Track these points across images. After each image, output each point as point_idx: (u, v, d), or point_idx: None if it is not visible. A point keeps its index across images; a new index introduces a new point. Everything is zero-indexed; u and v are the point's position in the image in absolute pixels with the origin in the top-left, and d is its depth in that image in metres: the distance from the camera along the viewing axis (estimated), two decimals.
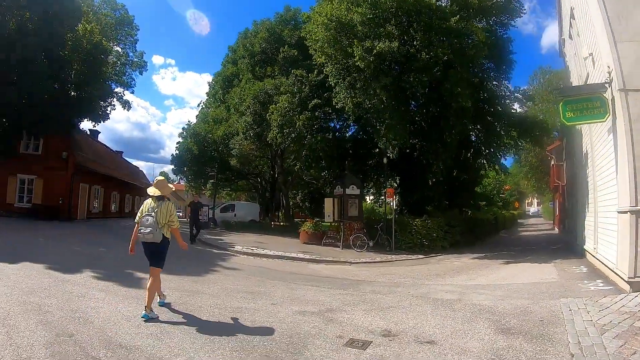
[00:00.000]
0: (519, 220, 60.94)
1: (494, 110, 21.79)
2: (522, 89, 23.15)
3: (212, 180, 35.58)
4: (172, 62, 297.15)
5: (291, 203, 39.82)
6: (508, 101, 22.53)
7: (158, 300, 7.46)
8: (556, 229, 35.56)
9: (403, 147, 19.96)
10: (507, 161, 43.88)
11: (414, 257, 18.09)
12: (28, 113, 24.00)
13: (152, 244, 6.75)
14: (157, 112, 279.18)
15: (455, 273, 13.43)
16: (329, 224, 23.03)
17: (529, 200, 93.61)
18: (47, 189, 29.01)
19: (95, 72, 26.65)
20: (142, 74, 42.85)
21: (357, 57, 17.38)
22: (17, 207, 28.49)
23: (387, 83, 17.74)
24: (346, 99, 19.48)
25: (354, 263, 15.97)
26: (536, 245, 23.88)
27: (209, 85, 41.99)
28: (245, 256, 16.44)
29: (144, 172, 60.47)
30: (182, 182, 51.52)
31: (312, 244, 22.01)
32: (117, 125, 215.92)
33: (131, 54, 38.40)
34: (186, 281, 10.08)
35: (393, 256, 18.08)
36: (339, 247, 20.81)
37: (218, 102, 37.40)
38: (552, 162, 33.73)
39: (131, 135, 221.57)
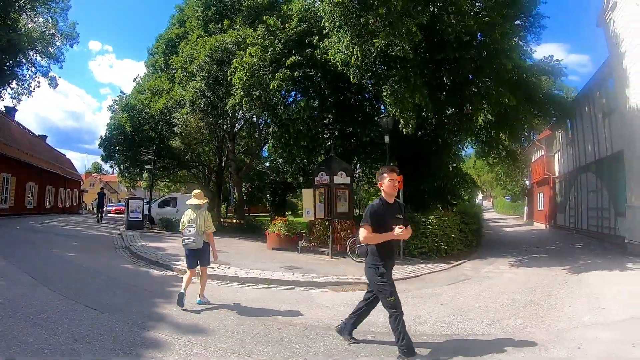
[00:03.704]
0: None
1: (521, 80, 15.90)
2: (555, 59, 17.04)
3: (147, 166, 26.79)
4: (110, 48, 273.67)
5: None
6: (536, 71, 16.71)
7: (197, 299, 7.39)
8: (540, 225, 30.77)
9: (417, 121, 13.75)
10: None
11: (436, 267, 12.74)
12: None
13: (196, 250, 7.30)
14: (92, 101, 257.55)
15: (548, 297, 8.62)
16: (307, 223, 16.84)
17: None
18: None
19: None
20: (72, 47, 34.14)
21: None
22: None
23: (424, 22, 11.56)
24: (351, 47, 12.87)
25: None
26: (554, 245, 19.09)
27: (147, 52, 33.32)
28: None
29: (75, 162, 51.02)
30: (116, 173, 42.18)
31: (284, 249, 15.55)
32: (49, 113, 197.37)
33: (61, 23, 29.84)
34: None
35: (409, 267, 12.45)
36: (325, 254, 14.62)
37: (159, 72, 29.29)
38: (542, 153, 29.03)
39: (65, 125, 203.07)
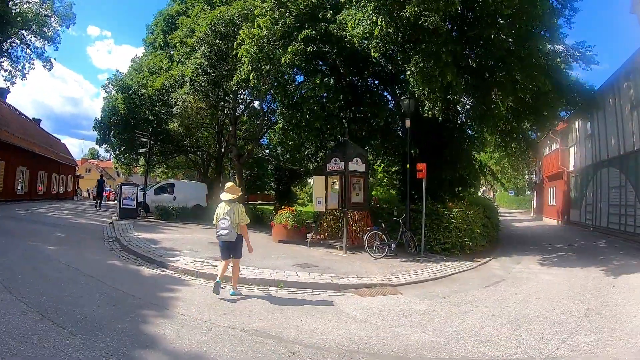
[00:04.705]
0: None
1: (551, 66, 14.18)
2: (586, 45, 15.08)
3: (143, 149, 23.76)
4: (109, 34, 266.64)
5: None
6: (567, 57, 14.91)
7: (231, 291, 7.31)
8: (551, 221, 29.28)
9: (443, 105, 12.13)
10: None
11: (463, 265, 11.38)
12: None
13: (229, 242, 7.19)
14: (90, 87, 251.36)
15: (605, 304, 7.49)
16: (314, 213, 15.70)
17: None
18: None
19: None
20: (69, 28, 32.28)
21: None
22: None
23: None
24: (374, 17, 11.13)
25: (398, 285, 8.78)
26: (575, 242, 17.68)
27: (146, 29, 31.14)
28: (202, 283, 8.02)
29: (73, 148, 48.87)
30: (112, 158, 40.11)
31: (292, 242, 14.00)
32: (48, 99, 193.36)
33: (57, 3, 27.95)
34: None
35: (434, 265, 11.21)
36: (337, 248, 13.08)
37: (157, 50, 27.20)
38: (556, 146, 27.46)
39: (63, 111, 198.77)
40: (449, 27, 12.20)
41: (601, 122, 20.15)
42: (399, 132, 16.36)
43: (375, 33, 11.10)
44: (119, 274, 8.16)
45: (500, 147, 18.70)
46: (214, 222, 7.44)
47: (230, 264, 7.42)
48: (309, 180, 37.56)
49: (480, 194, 75.69)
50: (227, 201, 7.33)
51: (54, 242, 11.12)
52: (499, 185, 59.00)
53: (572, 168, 25.69)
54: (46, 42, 28.38)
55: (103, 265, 8.84)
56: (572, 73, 15.81)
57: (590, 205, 22.26)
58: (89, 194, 50.23)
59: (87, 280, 7.31)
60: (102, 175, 29.88)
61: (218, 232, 7.20)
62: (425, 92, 11.52)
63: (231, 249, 7.30)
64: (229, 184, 7.61)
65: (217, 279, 7.15)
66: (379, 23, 10.99)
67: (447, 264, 11.34)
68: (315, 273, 9.11)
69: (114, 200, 34.75)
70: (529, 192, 46.50)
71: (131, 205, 18.24)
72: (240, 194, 7.73)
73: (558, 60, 14.65)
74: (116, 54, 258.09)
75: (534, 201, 38.39)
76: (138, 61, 29.58)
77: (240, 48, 13.71)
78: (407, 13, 10.48)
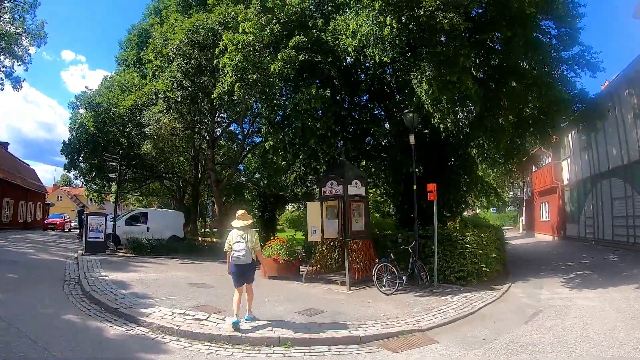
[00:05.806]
0: None
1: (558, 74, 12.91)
2: (592, 52, 13.67)
3: (112, 175, 20.57)
4: (83, 58, 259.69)
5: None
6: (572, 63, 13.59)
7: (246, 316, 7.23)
8: (545, 237, 27.89)
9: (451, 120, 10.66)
10: None
11: (484, 295, 10.05)
12: None
13: (245, 264, 7.10)
14: (65, 113, 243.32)
15: None
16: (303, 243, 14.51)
17: None
18: None
19: None
20: (40, 47, 30.18)
21: None
22: None
23: None
24: (381, 17, 9.55)
25: (427, 330, 7.30)
26: (585, 259, 16.24)
27: (119, 45, 29.02)
28: (185, 346, 6.07)
29: (47, 175, 45.90)
30: (83, 185, 37.11)
31: (284, 278, 12.15)
32: (21, 124, 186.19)
33: (29, 21, 25.92)
34: None
35: (455, 298, 9.77)
36: (338, 283, 11.34)
37: (130, 67, 25.10)
38: (549, 160, 26.32)
39: (37, 136, 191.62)
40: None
41: (600, 132, 18.99)
42: (394, 150, 14.81)
43: (384, 34, 9.52)
44: (74, 337, 6.03)
45: (498, 163, 17.28)
46: (225, 248, 7.32)
47: (245, 292, 7.26)
48: (287, 208, 35.74)
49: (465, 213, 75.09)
50: (239, 228, 7.27)
51: (2, 286, 8.95)
52: (484, 202, 58.55)
53: (566, 181, 24.70)
54: (15, 60, 26.33)
55: (55, 322, 6.71)
56: (579, 81, 14.72)
57: (590, 219, 21.15)
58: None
59: (27, 349, 5.29)
60: (84, 206, 28.18)
61: (234, 254, 7.06)
62: (444, 101, 9.98)
63: (246, 272, 7.20)
64: (240, 211, 7.55)
65: (235, 319, 6.68)
66: (388, 22, 9.41)
67: (468, 295, 9.93)
68: (321, 319, 7.46)
69: (62, 230, 31.83)
70: (509, 209, 45.55)
71: (99, 238, 15.83)
72: (252, 220, 7.62)
73: (565, 67, 13.45)
74: (90, 79, 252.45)
75: (523, 217, 37.22)
76: (109, 79, 27.39)
77: (223, 56, 11.89)
78: (421, 11, 8.93)
